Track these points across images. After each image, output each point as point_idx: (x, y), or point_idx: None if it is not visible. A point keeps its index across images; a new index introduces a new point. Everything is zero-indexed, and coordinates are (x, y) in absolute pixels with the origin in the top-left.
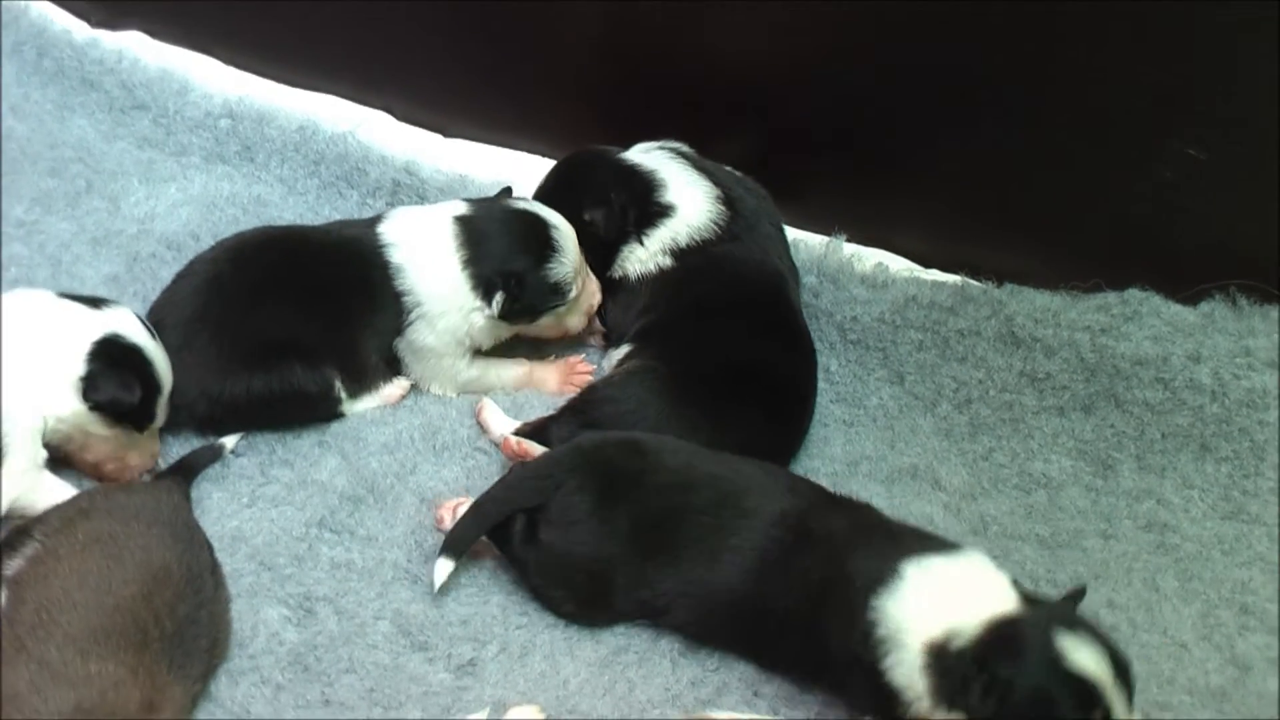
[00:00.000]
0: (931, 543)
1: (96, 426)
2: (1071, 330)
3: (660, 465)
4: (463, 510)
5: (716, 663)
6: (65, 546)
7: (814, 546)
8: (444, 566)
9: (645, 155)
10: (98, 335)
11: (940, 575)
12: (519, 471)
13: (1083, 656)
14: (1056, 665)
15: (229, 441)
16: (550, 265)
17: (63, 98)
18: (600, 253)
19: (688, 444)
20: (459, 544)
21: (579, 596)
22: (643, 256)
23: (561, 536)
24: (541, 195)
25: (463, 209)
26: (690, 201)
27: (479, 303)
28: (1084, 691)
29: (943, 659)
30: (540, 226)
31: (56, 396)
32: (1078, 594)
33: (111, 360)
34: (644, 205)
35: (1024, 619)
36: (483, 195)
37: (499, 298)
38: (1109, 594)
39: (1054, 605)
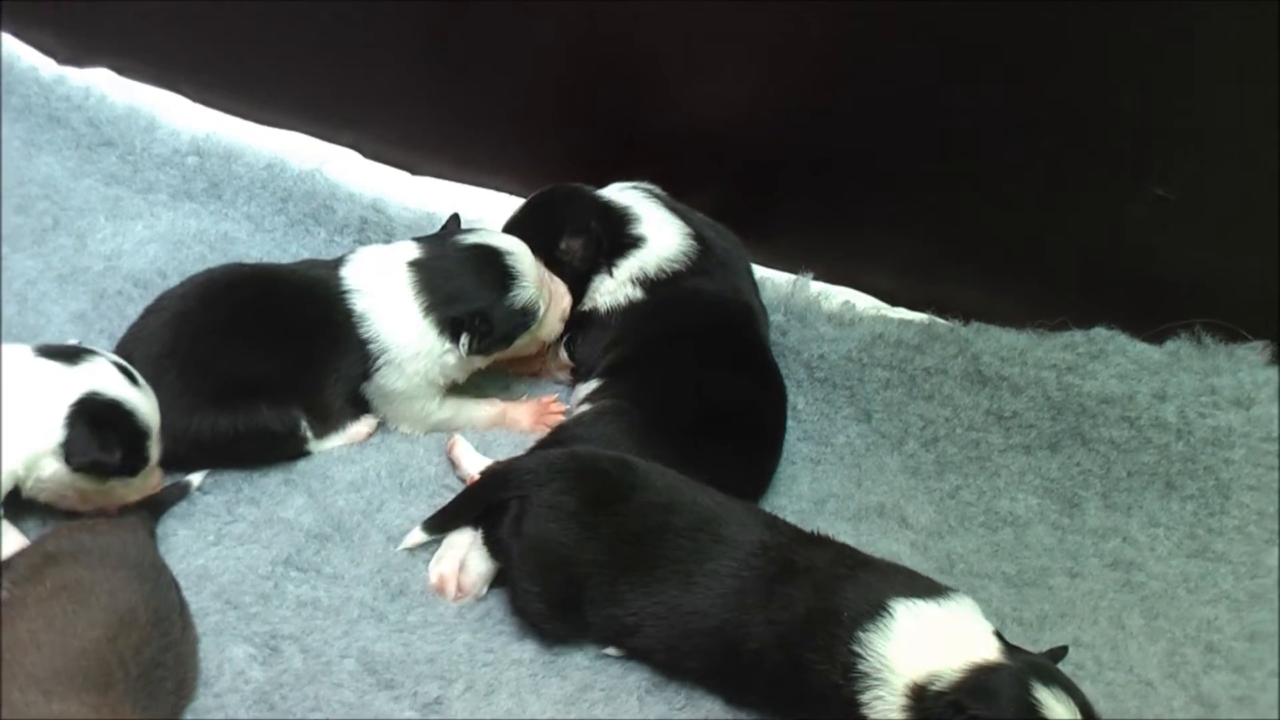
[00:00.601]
0: (918, 582)
1: (86, 483)
2: (1038, 368)
3: (648, 483)
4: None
5: (683, 700)
6: (33, 594)
7: (797, 578)
8: (416, 535)
9: (619, 193)
10: (74, 397)
11: (928, 618)
12: (509, 463)
13: (1057, 709)
14: (1031, 713)
15: (195, 479)
16: (513, 293)
17: (29, 134)
18: (571, 286)
19: (676, 472)
20: (441, 524)
21: (551, 596)
22: (611, 288)
23: (544, 530)
24: (514, 226)
25: (414, 252)
26: (661, 234)
27: (448, 345)
28: None
29: (922, 700)
30: (494, 257)
31: (39, 462)
32: (1059, 652)
33: (91, 421)
34: (616, 237)
35: (1003, 667)
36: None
37: (465, 339)
38: (1075, 632)
39: (1033, 657)
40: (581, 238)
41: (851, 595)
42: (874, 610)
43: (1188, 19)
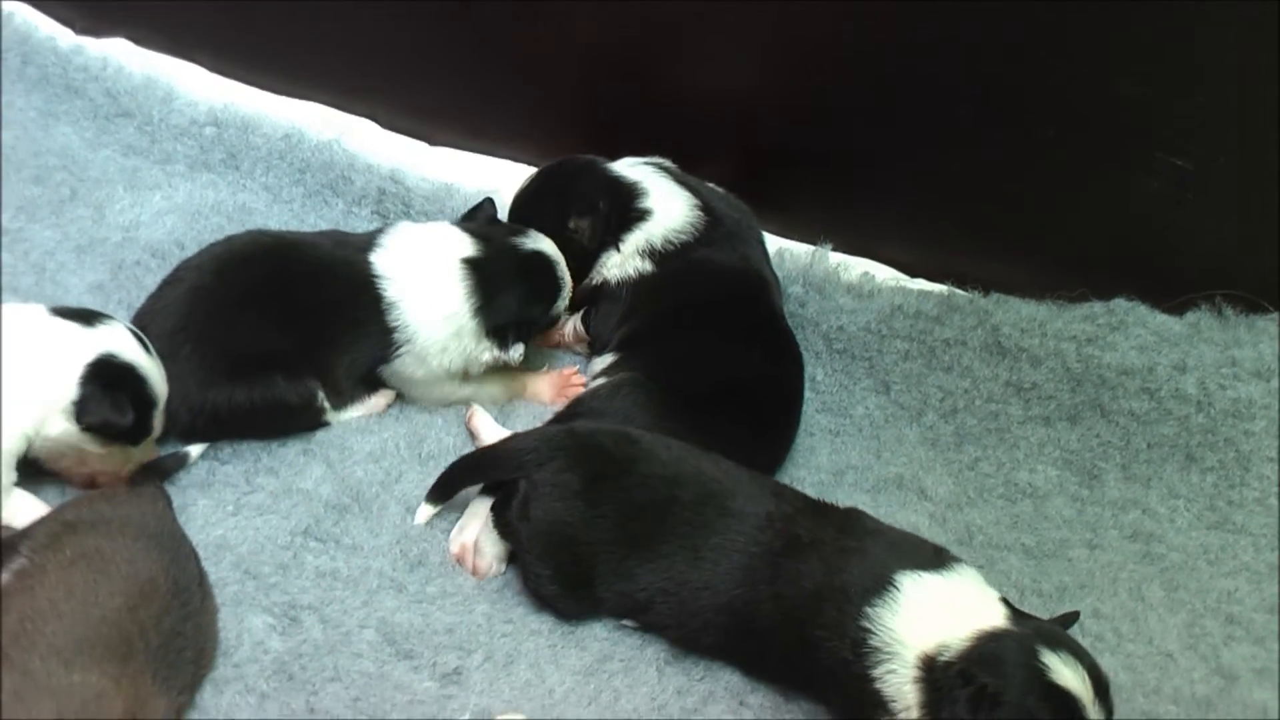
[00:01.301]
0: (923, 551)
1: (90, 445)
2: (1057, 340)
3: (652, 456)
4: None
5: (702, 671)
6: (52, 562)
7: (803, 552)
8: (426, 510)
9: (630, 168)
10: (90, 357)
11: (934, 589)
12: (508, 441)
13: (1065, 673)
14: (1040, 678)
15: (194, 450)
16: (558, 302)
17: (47, 105)
18: (580, 260)
19: (680, 442)
20: (443, 491)
21: (563, 576)
22: (618, 260)
23: (550, 511)
24: (524, 199)
25: (468, 248)
26: (667, 207)
27: (487, 343)
28: (1064, 706)
29: (932, 671)
30: (550, 269)
31: (48, 419)
32: (1070, 617)
33: (105, 382)
34: (624, 213)
35: (1009, 634)
36: (469, 206)
37: (519, 347)
38: (1095, 604)
39: (1041, 623)
40: (589, 218)
41: (857, 571)
42: (880, 585)
43: None
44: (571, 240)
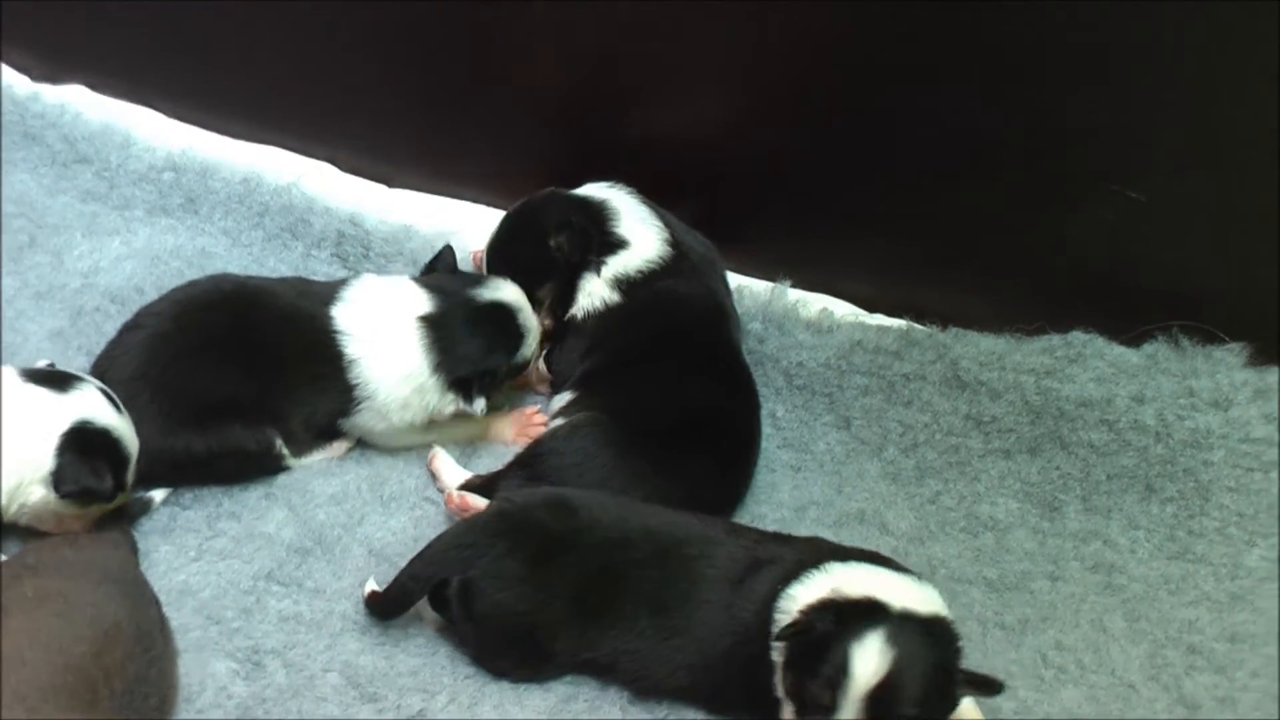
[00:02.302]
0: (864, 555)
1: (69, 509)
2: (1016, 373)
3: (594, 523)
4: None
5: (666, 710)
6: (15, 604)
7: (761, 570)
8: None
9: (596, 190)
10: (65, 426)
11: (846, 576)
12: (441, 540)
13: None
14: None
15: (157, 495)
16: (521, 350)
17: (5, 152)
18: (563, 287)
19: (618, 498)
20: (385, 612)
21: (521, 662)
22: (593, 288)
23: (496, 604)
24: (498, 243)
25: (425, 305)
26: (641, 235)
27: (450, 396)
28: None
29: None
30: (509, 317)
31: (25, 489)
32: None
33: (81, 450)
34: (601, 234)
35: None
36: (428, 248)
37: (480, 401)
38: (1057, 635)
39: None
40: (566, 231)
41: (800, 572)
42: (800, 572)
43: (1153, 23)
44: (556, 263)
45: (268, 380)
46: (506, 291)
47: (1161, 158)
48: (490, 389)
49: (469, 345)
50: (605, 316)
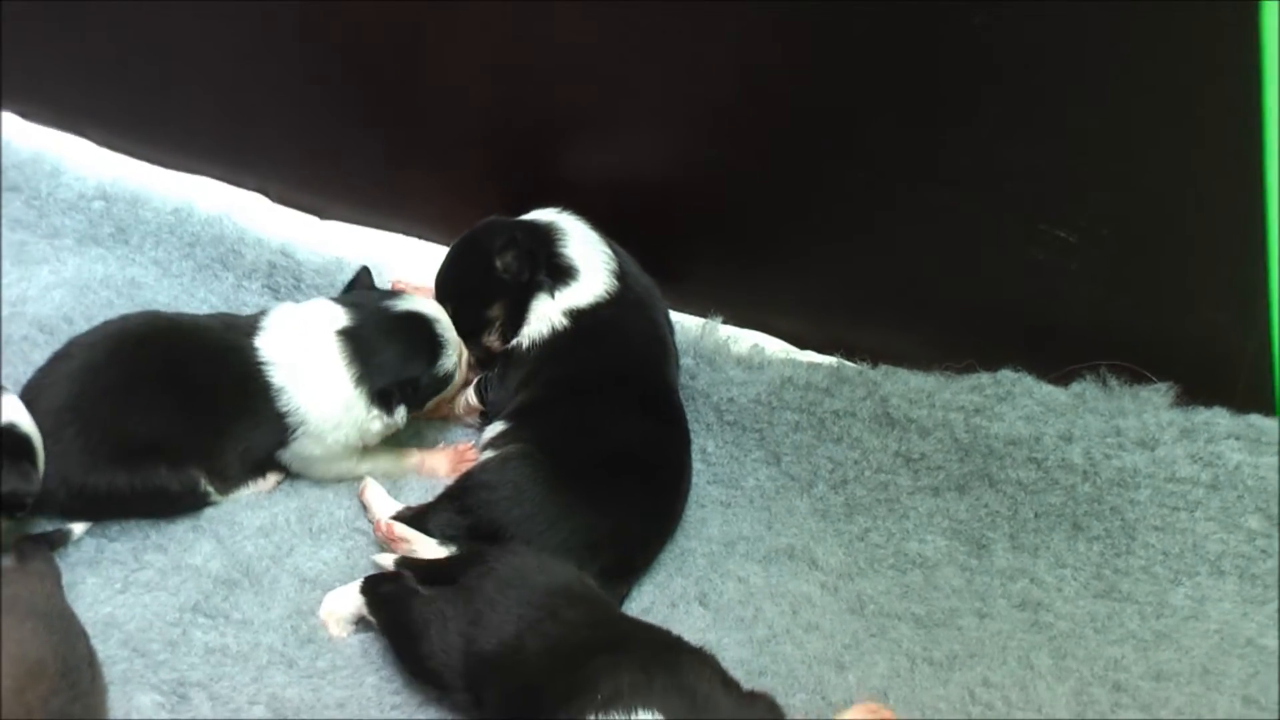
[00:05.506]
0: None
1: None
2: (945, 411)
3: None
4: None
5: None
6: None
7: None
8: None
9: (542, 214)
10: None
11: None
12: None
13: None
14: None
15: (77, 528)
16: (441, 360)
17: None
18: (513, 307)
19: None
20: None
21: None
22: (546, 310)
23: None
24: (444, 273)
25: (342, 319)
26: (590, 259)
27: (376, 412)
28: None
29: None
30: (425, 325)
31: None
32: None
33: (10, 453)
34: (548, 255)
35: None
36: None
37: (401, 410)
38: (984, 672)
39: None
40: (512, 250)
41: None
42: None
43: (1084, 65)
44: (504, 283)
45: (199, 419)
46: (422, 303)
47: (1090, 198)
48: (413, 400)
49: (386, 354)
50: (550, 343)
